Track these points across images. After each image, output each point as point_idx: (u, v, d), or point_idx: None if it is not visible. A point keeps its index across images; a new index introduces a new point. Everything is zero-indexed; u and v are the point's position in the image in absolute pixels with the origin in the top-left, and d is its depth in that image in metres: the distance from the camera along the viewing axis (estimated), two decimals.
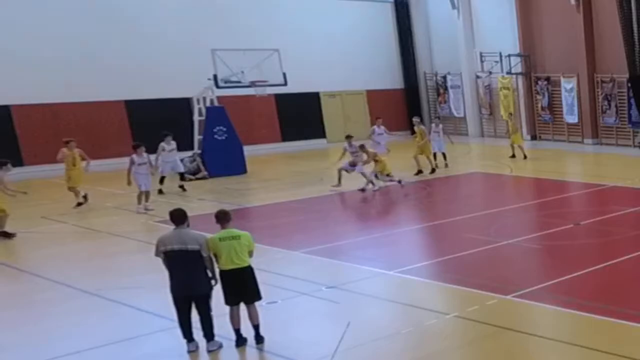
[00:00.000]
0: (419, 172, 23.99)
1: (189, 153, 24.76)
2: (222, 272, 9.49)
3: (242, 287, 9.52)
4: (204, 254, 9.32)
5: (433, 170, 24.47)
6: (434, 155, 25.38)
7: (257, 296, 9.70)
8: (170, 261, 9.31)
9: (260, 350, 9.53)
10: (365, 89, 36.03)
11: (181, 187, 21.79)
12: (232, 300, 9.52)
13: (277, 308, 11.03)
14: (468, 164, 27.65)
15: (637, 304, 11.05)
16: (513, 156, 27.94)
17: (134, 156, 18.88)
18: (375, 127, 26.57)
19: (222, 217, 9.65)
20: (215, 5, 30.16)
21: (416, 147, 24.64)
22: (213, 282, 9.54)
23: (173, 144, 21.86)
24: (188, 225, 9.52)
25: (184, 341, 9.40)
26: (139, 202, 18.82)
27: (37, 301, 11.81)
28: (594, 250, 14.88)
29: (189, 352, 9.39)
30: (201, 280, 9.39)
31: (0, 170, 16.33)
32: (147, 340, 10.04)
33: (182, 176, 22.23)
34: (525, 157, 27.70)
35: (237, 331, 9.62)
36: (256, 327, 9.65)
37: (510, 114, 32.75)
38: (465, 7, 35.09)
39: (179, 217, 9.43)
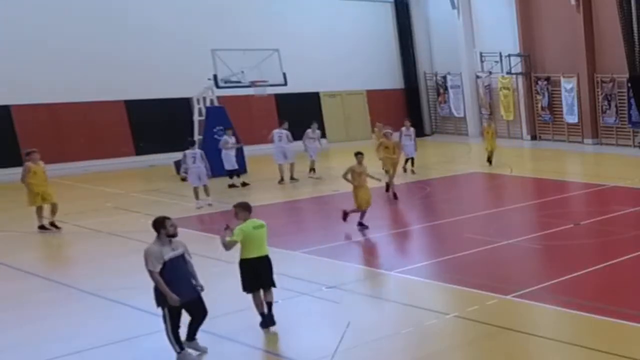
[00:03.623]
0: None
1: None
2: (247, 260, 9.99)
3: (265, 273, 10.20)
4: (188, 258, 9.33)
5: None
6: (406, 161, 24.64)
7: (274, 282, 10.37)
8: (171, 270, 9.01)
9: (271, 331, 9.89)
10: (365, 88, 36.04)
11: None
12: (253, 285, 10.14)
13: (277, 308, 10.99)
14: (468, 164, 27.65)
15: (637, 304, 11.06)
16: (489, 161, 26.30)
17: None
18: None
19: (248, 208, 10.20)
20: (215, 6, 30.17)
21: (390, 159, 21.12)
22: (199, 288, 9.44)
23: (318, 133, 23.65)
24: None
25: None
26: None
27: (37, 301, 11.81)
28: (594, 250, 14.90)
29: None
30: (193, 282, 9.40)
31: None
32: (147, 340, 10.05)
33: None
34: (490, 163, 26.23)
35: (263, 314, 10.18)
36: (270, 304, 10.24)
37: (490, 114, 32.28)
38: (465, 7, 35.10)
39: (160, 223, 9.12)
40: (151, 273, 8.95)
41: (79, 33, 26.85)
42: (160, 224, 9.08)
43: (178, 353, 9.14)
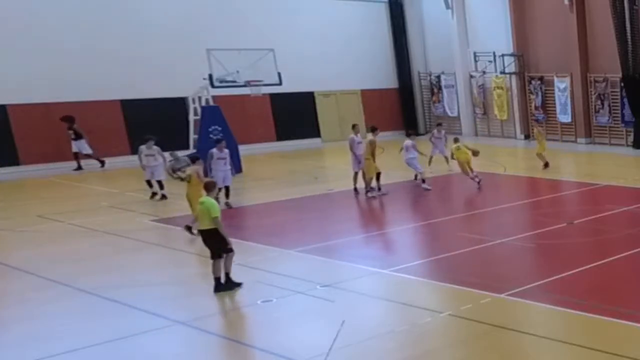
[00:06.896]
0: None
1: (182, 153, 24.84)
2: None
3: (208, 245, 11.86)
4: None
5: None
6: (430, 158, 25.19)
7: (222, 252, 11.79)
8: None
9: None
10: (359, 88, 36.10)
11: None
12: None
13: (272, 306, 11.10)
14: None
15: (630, 302, 11.15)
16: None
17: (215, 150, 19.06)
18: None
19: (204, 185, 12.46)
20: (211, 5, 30.20)
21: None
22: None
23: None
24: None
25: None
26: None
27: (33, 300, 11.83)
28: (587, 249, 14.99)
29: None
30: None
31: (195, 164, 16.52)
32: (143, 338, 10.09)
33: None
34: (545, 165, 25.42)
35: (216, 279, 11.71)
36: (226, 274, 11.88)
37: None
38: (459, 7, 35.19)
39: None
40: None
41: (75, 33, 26.82)
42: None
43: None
